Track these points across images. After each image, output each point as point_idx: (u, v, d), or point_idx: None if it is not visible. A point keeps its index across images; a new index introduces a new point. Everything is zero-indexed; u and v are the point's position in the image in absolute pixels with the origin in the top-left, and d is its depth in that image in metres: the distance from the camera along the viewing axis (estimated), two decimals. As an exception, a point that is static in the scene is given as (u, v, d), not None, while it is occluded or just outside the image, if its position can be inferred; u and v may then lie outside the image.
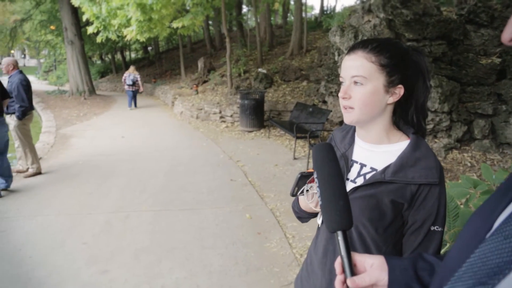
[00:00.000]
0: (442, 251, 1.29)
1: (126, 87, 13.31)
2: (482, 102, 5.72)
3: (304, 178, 1.03)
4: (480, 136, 5.58)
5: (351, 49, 1.06)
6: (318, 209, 1.07)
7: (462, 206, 1.86)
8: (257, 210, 4.14)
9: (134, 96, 13.43)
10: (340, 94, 1.05)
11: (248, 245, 3.37)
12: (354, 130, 1.18)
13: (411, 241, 1.02)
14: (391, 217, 1.01)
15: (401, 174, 1.00)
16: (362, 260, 0.78)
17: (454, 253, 0.59)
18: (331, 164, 0.84)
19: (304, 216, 1.24)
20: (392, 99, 1.04)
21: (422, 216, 0.99)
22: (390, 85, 1.02)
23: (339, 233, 0.77)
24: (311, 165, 4.30)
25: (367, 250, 1.04)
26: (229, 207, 4.22)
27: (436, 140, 5.61)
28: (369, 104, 1.02)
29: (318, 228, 1.23)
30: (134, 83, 13.20)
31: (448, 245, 1.53)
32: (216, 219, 3.90)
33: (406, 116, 1.09)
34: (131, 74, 13.29)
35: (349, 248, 0.76)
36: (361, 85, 1.01)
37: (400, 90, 1.03)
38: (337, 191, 0.80)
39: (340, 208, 0.78)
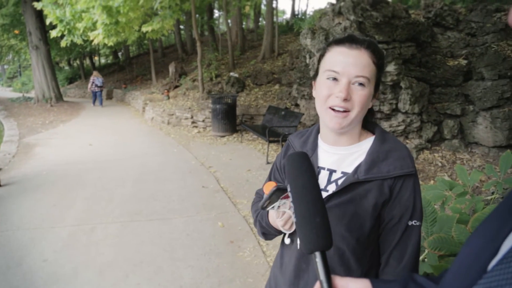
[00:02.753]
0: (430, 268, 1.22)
1: (94, 88, 15.87)
2: (451, 102, 5.82)
3: (279, 192, 0.90)
4: (449, 136, 5.67)
5: (354, 42, 0.93)
6: (284, 230, 0.97)
7: (438, 210, 1.81)
8: (229, 218, 4.01)
9: (101, 95, 16.15)
10: (340, 94, 0.90)
11: (221, 255, 3.24)
12: (316, 133, 1.07)
13: (389, 240, 0.94)
14: (372, 221, 0.92)
15: (374, 170, 0.91)
16: (344, 285, 0.67)
17: (452, 279, 0.50)
18: (306, 175, 0.73)
19: (270, 233, 1.11)
20: (372, 103, 0.97)
21: (399, 210, 0.92)
22: (377, 88, 0.97)
23: (317, 254, 0.66)
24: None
25: (347, 264, 0.95)
26: (200, 216, 4.07)
27: (407, 141, 5.65)
28: (364, 108, 0.94)
29: (283, 245, 1.10)
30: (102, 85, 16.20)
31: (427, 252, 1.46)
32: (187, 229, 3.75)
33: (369, 114, 1.03)
34: (98, 78, 16.00)
35: (329, 271, 0.66)
36: (363, 87, 0.91)
37: (377, 94, 0.99)
38: (313, 206, 0.70)
39: (317, 226, 0.68)
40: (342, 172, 0.97)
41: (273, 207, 0.92)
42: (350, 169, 0.96)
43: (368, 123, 1.03)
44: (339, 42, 0.94)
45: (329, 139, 1.01)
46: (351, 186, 0.92)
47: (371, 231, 0.93)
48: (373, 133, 1.00)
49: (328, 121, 0.93)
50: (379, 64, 0.93)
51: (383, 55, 0.96)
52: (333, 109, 0.91)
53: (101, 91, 16.06)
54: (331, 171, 0.99)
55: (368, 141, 0.98)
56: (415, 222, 0.92)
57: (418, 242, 0.93)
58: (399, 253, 0.92)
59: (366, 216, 0.91)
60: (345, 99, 0.89)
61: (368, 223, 0.91)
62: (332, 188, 0.97)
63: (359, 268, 0.95)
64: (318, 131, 1.07)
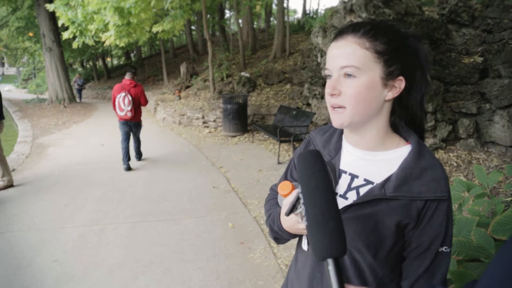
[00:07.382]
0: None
1: (77, 86, 19.49)
2: (466, 101, 5.68)
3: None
4: (465, 136, 5.53)
5: (339, 34, 0.86)
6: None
7: (455, 212, 1.73)
8: (240, 219, 3.97)
9: (79, 92, 19.61)
10: (327, 91, 0.85)
11: (231, 256, 3.20)
12: (341, 132, 0.98)
13: (415, 266, 0.85)
14: (393, 240, 0.83)
15: (405, 188, 0.82)
16: None
17: None
18: (319, 175, 0.67)
19: (283, 237, 0.99)
20: (391, 94, 0.85)
21: (430, 236, 0.83)
22: (389, 77, 0.83)
23: (330, 262, 0.60)
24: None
25: (361, 276, 0.87)
26: (210, 216, 4.04)
27: (421, 140, 5.53)
28: (364, 101, 0.83)
29: (299, 249, 1.03)
30: (82, 84, 20.06)
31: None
32: (197, 229, 3.71)
33: (407, 116, 0.91)
34: (80, 79, 19.86)
35: (343, 281, 0.60)
36: (353, 77, 0.81)
37: (400, 83, 0.84)
38: (326, 209, 0.63)
39: (330, 231, 0.62)
40: (365, 180, 0.88)
41: (296, 211, 0.83)
42: (374, 178, 0.87)
43: (404, 129, 0.91)
44: (332, 38, 0.89)
45: (350, 138, 0.94)
46: (375, 200, 0.84)
47: (392, 249, 0.85)
48: (407, 141, 0.90)
49: (331, 120, 0.88)
50: (379, 48, 0.82)
51: (388, 33, 0.83)
52: (333, 108, 0.86)
53: (80, 89, 19.79)
54: (353, 176, 0.91)
55: (401, 151, 0.88)
56: (445, 249, 0.84)
57: (447, 270, 0.85)
58: (425, 282, 0.84)
59: (388, 234, 0.83)
60: (333, 94, 0.84)
61: (389, 241, 0.84)
62: (352, 196, 0.89)
63: (376, 282, 0.88)
64: (342, 130, 0.98)
